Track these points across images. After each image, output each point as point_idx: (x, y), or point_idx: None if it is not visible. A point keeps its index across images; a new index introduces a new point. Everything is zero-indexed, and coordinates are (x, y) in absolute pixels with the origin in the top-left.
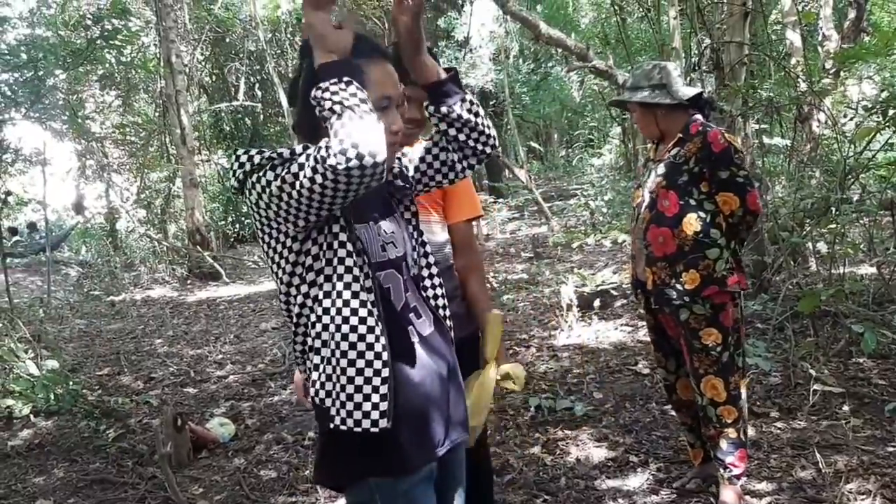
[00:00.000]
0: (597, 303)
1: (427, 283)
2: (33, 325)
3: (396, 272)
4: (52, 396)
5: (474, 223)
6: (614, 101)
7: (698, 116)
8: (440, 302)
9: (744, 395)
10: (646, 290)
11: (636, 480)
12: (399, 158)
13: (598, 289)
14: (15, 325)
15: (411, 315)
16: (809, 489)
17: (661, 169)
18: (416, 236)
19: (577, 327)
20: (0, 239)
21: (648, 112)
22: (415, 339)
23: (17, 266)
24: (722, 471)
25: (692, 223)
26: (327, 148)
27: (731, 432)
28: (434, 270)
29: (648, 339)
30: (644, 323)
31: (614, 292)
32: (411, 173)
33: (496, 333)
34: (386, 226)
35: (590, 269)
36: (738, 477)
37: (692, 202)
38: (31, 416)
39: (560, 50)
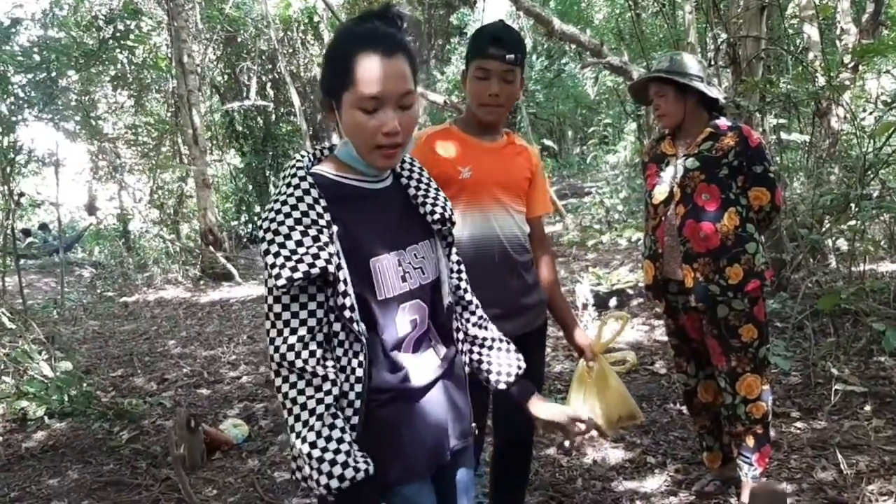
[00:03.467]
0: (613, 302)
1: (460, 312)
2: (47, 326)
3: (422, 301)
4: (65, 398)
5: None
6: (655, 76)
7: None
8: (462, 335)
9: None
10: (678, 288)
11: (654, 482)
12: (445, 207)
13: (614, 288)
14: (29, 327)
15: (430, 341)
16: (830, 490)
17: (691, 163)
18: (454, 266)
19: (592, 327)
20: (14, 240)
21: (681, 99)
22: (435, 364)
23: (30, 267)
24: (746, 469)
25: (733, 217)
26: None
27: (759, 429)
28: (469, 303)
29: (665, 339)
30: (660, 322)
31: (630, 291)
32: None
33: (616, 335)
34: (412, 252)
35: (605, 268)
36: (760, 476)
37: (731, 196)
38: (46, 418)
39: (574, 46)
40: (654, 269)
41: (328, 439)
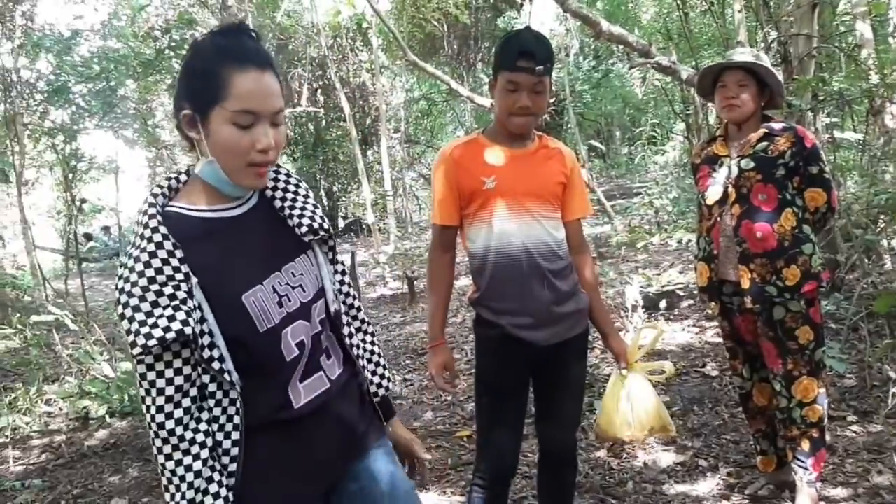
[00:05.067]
0: (663, 304)
1: (345, 318)
2: (108, 327)
3: (304, 321)
4: (126, 397)
5: None
6: (745, 62)
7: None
8: (354, 340)
9: (825, 394)
10: (733, 290)
11: (706, 486)
12: (313, 216)
13: (664, 289)
14: (91, 328)
15: (322, 358)
16: (887, 495)
17: (747, 163)
18: (337, 269)
19: (633, 331)
20: (76, 244)
21: (759, 96)
22: (325, 385)
23: (92, 270)
24: (801, 473)
25: (790, 218)
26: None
27: (815, 432)
28: (350, 307)
29: (718, 340)
30: (711, 324)
31: (681, 293)
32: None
33: (650, 344)
34: (289, 272)
35: (655, 270)
36: (815, 480)
37: (788, 196)
38: (107, 417)
39: (621, 46)
40: (709, 271)
41: None
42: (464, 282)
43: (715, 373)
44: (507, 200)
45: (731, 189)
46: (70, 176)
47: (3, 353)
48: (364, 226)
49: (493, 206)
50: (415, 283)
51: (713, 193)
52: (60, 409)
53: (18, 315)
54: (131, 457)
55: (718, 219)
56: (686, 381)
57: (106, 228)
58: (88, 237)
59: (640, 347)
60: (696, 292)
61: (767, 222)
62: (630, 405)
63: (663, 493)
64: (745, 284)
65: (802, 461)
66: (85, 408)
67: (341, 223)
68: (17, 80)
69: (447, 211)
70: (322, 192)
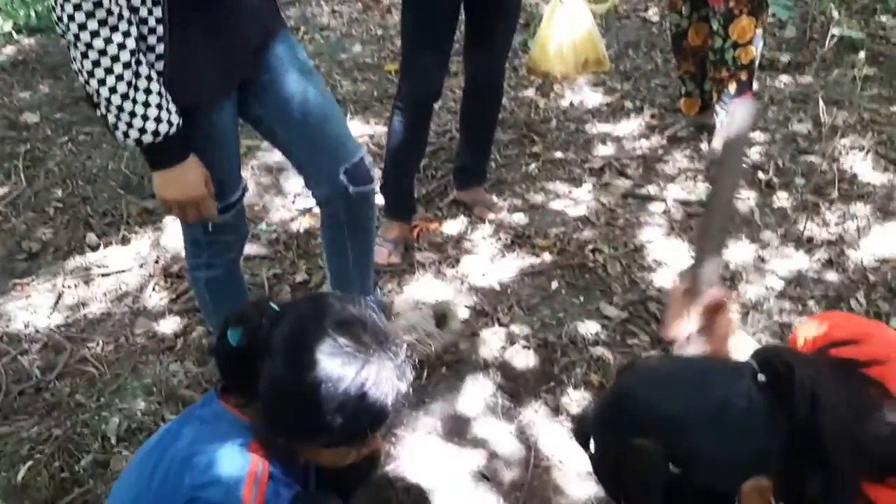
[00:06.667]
0: None
1: None
2: None
3: None
4: (33, 13)
5: None
6: None
7: None
8: None
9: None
10: None
11: (628, 126)
12: None
13: None
14: None
15: None
16: (803, 142)
17: None
18: None
19: None
20: None
21: None
22: None
23: None
24: (722, 115)
25: None
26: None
27: (744, 75)
28: None
29: None
30: None
31: None
32: None
33: None
34: None
35: None
36: None
37: None
38: (14, 33)
39: None
40: None
41: (136, 89)
42: None
43: (656, 18)
44: None
45: None
46: None
47: None
48: None
49: None
50: None
51: None
52: None
53: None
54: (41, 74)
55: None
56: (625, 24)
57: None
58: None
59: None
60: None
61: None
62: (566, 34)
63: (585, 131)
64: None
65: (726, 103)
66: None
67: None
68: None
69: None
70: None
